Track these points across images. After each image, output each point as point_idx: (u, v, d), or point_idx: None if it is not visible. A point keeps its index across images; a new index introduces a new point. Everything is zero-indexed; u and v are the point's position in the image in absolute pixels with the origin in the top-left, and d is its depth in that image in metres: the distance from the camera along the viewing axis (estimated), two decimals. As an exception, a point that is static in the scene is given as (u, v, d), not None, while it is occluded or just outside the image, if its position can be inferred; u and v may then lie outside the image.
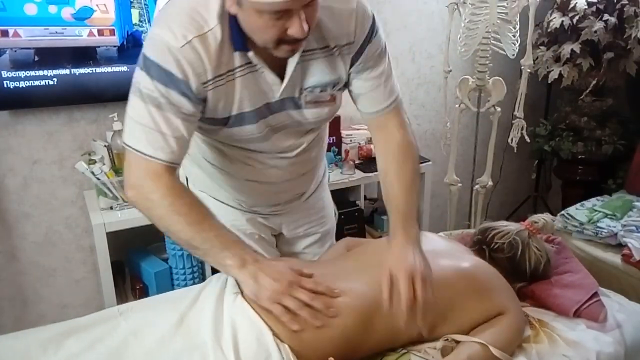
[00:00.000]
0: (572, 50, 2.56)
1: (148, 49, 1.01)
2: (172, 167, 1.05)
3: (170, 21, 0.99)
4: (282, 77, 1.08)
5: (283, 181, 1.30)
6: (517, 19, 2.23)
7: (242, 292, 1.08)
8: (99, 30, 1.97)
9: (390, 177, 1.19)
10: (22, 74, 1.89)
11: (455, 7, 2.29)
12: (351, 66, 1.15)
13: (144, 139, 1.02)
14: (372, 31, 1.12)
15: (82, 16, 1.93)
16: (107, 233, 1.88)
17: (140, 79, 1.01)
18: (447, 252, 1.28)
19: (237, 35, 1.01)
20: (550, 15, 2.66)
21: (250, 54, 1.03)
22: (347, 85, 1.20)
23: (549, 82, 2.71)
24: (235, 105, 1.08)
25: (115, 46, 2.01)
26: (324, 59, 1.11)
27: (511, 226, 1.39)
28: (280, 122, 1.16)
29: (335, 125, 2.47)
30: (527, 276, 1.36)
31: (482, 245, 1.38)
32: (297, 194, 1.39)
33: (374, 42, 1.14)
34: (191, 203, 1.06)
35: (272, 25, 0.94)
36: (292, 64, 1.07)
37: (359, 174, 2.40)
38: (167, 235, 1.12)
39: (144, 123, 1.02)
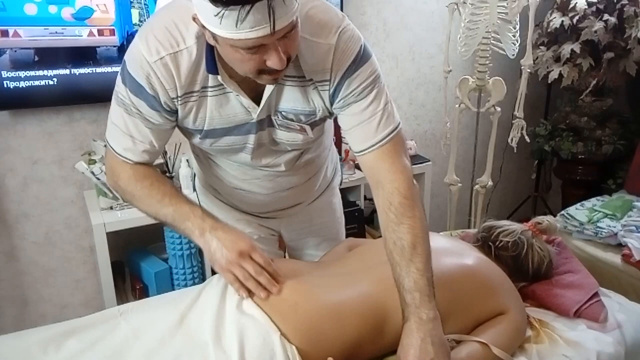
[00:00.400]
0: (572, 50, 2.56)
1: (127, 57, 1.04)
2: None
3: (149, 34, 1.00)
4: (258, 100, 1.07)
5: (272, 192, 1.30)
6: (517, 19, 2.23)
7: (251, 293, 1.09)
8: (99, 30, 1.97)
9: (392, 250, 1.04)
10: (22, 74, 1.89)
11: (455, 7, 2.29)
12: (332, 103, 1.09)
13: (116, 139, 1.11)
14: (355, 65, 1.04)
15: (82, 16, 1.93)
16: (107, 233, 1.88)
17: (118, 83, 1.06)
18: (451, 250, 1.27)
19: (209, 59, 1.01)
20: (550, 15, 2.66)
21: (220, 78, 1.03)
22: (327, 119, 1.20)
23: (549, 82, 2.71)
24: (206, 121, 1.10)
25: (115, 46, 2.01)
26: (299, 87, 1.07)
27: (515, 225, 1.40)
28: (257, 140, 1.14)
29: (335, 125, 2.47)
30: (529, 276, 1.36)
31: (487, 242, 1.38)
32: (293, 204, 1.38)
33: (356, 76, 1.05)
34: (151, 184, 1.12)
35: (249, 59, 0.92)
36: (269, 89, 1.05)
37: (359, 174, 2.40)
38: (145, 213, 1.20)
39: (117, 124, 1.09)
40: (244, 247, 1.07)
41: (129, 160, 1.12)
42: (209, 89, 1.05)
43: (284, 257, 1.57)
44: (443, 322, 1.09)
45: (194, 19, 0.92)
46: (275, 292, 1.07)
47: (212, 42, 0.95)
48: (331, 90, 1.07)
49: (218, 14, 0.85)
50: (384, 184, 1.08)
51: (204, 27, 0.90)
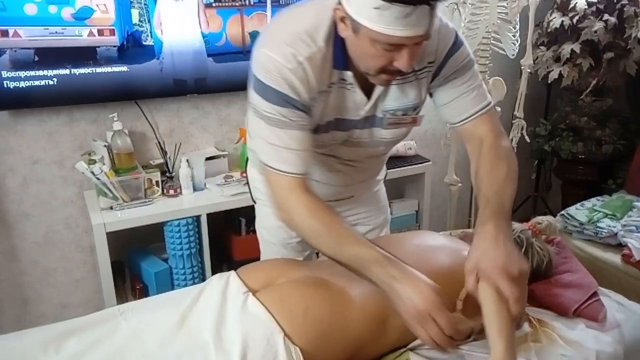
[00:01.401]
0: (572, 50, 2.56)
1: (260, 72, 1.04)
2: (306, 181, 1.09)
3: (280, 43, 1.03)
4: (368, 97, 1.14)
5: (342, 185, 1.36)
6: (517, 19, 2.23)
7: (252, 291, 1.09)
8: (99, 30, 1.97)
9: (481, 174, 1.15)
10: (22, 74, 1.89)
11: (455, 7, 2.29)
12: (432, 81, 1.18)
13: (277, 158, 1.07)
14: (456, 45, 1.14)
15: (82, 16, 1.93)
16: (107, 233, 1.88)
17: (258, 102, 1.06)
18: (449, 247, 1.28)
19: (340, 56, 1.06)
20: (550, 15, 2.66)
21: (349, 73, 1.09)
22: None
23: (549, 82, 2.71)
24: (325, 116, 1.13)
25: (115, 46, 2.01)
26: (409, 84, 1.16)
27: (515, 225, 1.40)
28: (359, 137, 1.21)
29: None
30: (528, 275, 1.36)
31: None
32: (349, 195, 1.42)
33: (456, 55, 1.15)
34: (330, 222, 1.05)
35: (381, 55, 0.99)
36: (379, 87, 1.13)
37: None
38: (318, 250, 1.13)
39: (273, 142, 1.06)
40: (434, 299, 0.97)
41: (295, 174, 1.07)
42: (333, 86, 1.10)
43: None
44: None
45: (342, 16, 0.98)
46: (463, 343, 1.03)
47: (346, 33, 1.00)
48: (434, 70, 1.16)
49: (380, 7, 0.91)
50: (486, 140, 1.19)
51: (344, 18, 0.97)
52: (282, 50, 1.02)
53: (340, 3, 0.99)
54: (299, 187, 1.07)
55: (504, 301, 0.98)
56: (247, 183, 1.52)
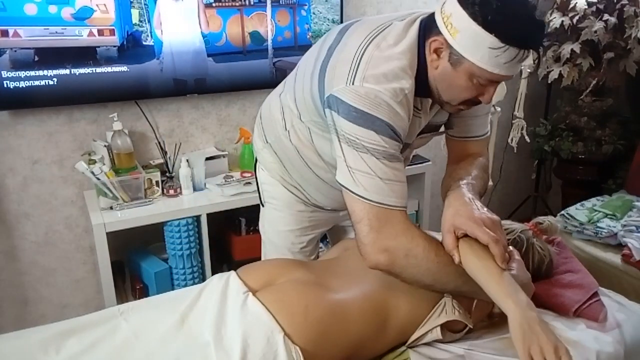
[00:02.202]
0: (572, 50, 2.56)
1: (365, 104, 1.02)
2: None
3: (382, 78, 1.03)
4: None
5: None
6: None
7: (252, 291, 1.09)
8: (99, 30, 1.97)
9: (458, 171, 1.22)
10: (22, 74, 1.89)
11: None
12: None
13: (392, 193, 1.03)
14: None
15: (82, 16, 1.93)
16: (107, 233, 1.88)
17: (362, 134, 1.02)
18: None
19: (424, 86, 1.10)
20: (550, 15, 2.66)
21: (429, 100, 1.15)
22: None
23: (549, 82, 2.71)
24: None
25: (115, 46, 2.01)
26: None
27: (515, 225, 1.40)
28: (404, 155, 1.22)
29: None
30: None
31: None
32: None
33: None
34: (445, 261, 1.04)
35: (473, 89, 1.05)
36: (436, 108, 1.20)
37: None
38: (426, 287, 1.08)
39: (388, 178, 1.03)
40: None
41: (405, 208, 1.05)
42: (413, 112, 1.13)
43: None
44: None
45: (438, 48, 1.03)
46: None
47: (438, 64, 1.05)
48: None
49: (498, 47, 0.96)
50: (473, 157, 1.28)
51: (440, 50, 1.03)
52: (386, 87, 1.03)
53: (437, 35, 1.03)
54: (408, 221, 1.05)
55: (486, 250, 1.01)
56: (257, 186, 1.50)
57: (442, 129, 1.33)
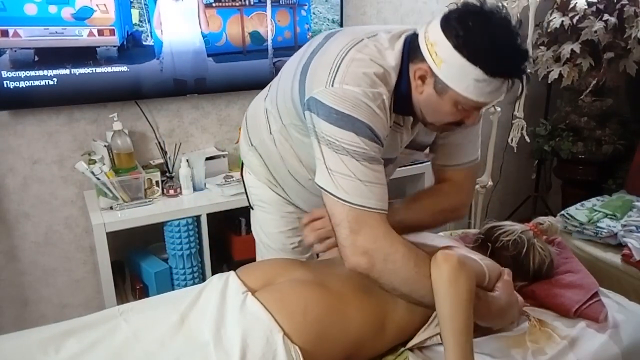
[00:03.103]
0: (572, 50, 2.56)
1: (346, 106, 1.01)
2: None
3: (362, 81, 1.03)
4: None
5: None
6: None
7: (251, 291, 1.09)
8: (99, 30, 1.97)
9: (430, 197, 1.30)
10: (22, 74, 1.89)
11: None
12: None
13: (372, 195, 1.01)
14: None
15: (82, 16, 1.93)
16: (107, 233, 1.88)
17: (342, 136, 1.01)
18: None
19: (403, 103, 1.10)
20: (550, 15, 2.66)
21: (410, 118, 1.15)
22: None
23: (549, 82, 2.71)
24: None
25: (115, 46, 2.01)
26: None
27: (516, 226, 1.40)
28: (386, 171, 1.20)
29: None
30: (529, 275, 1.37)
31: (487, 243, 1.39)
32: None
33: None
34: (429, 261, 1.04)
35: (458, 114, 1.05)
36: (418, 126, 1.20)
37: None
38: (403, 296, 1.06)
39: (367, 180, 1.01)
40: None
41: (385, 211, 1.03)
42: (392, 127, 1.13)
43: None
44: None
45: (422, 75, 1.03)
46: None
47: (422, 90, 1.05)
48: None
49: (482, 80, 0.96)
50: (454, 184, 1.29)
51: (424, 77, 1.03)
52: (364, 90, 1.02)
53: (421, 62, 1.03)
54: (388, 226, 1.02)
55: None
56: (245, 189, 1.50)
57: (427, 151, 1.32)
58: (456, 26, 0.97)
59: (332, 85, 1.02)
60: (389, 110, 1.07)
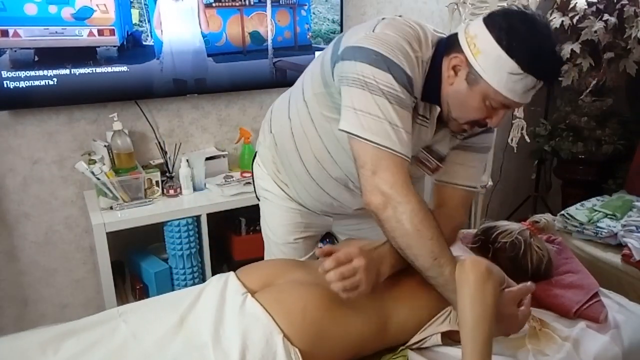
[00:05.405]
0: (572, 50, 2.56)
1: (383, 48, 1.02)
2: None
3: (405, 33, 1.05)
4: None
5: (354, 205, 1.35)
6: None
7: (250, 292, 1.09)
8: (99, 30, 1.97)
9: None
10: (22, 74, 1.89)
11: (455, 7, 2.29)
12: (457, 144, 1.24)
13: (394, 137, 1.02)
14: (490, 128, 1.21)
15: (82, 16, 1.93)
16: (107, 233, 1.88)
17: (380, 77, 1.02)
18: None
19: (434, 90, 1.10)
20: (550, 15, 2.66)
21: (438, 109, 1.13)
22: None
23: (549, 82, 2.71)
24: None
25: (115, 46, 2.01)
26: (454, 137, 1.22)
27: (513, 226, 1.40)
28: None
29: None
30: (528, 275, 1.36)
31: (485, 245, 1.38)
32: (354, 210, 1.40)
33: (488, 136, 1.27)
34: (436, 226, 1.03)
35: (484, 110, 1.06)
36: (442, 132, 1.19)
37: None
38: (399, 250, 1.05)
39: (392, 121, 1.02)
40: None
41: (406, 157, 1.03)
42: (418, 117, 1.13)
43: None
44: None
45: (456, 65, 1.04)
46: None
47: (454, 81, 1.06)
48: (469, 135, 1.23)
49: (518, 74, 0.97)
50: (451, 207, 1.27)
51: (458, 67, 1.04)
52: (408, 38, 1.05)
53: (458, 52, 1.04)
54: (407, 175, 1.03)
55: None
56: (253, 180, 1.52)
57: (441, 165, 1.27)
58: (500, 21, 1.00)
59: (373, 31, 1.06)
60: (422, 77, 1.08)
